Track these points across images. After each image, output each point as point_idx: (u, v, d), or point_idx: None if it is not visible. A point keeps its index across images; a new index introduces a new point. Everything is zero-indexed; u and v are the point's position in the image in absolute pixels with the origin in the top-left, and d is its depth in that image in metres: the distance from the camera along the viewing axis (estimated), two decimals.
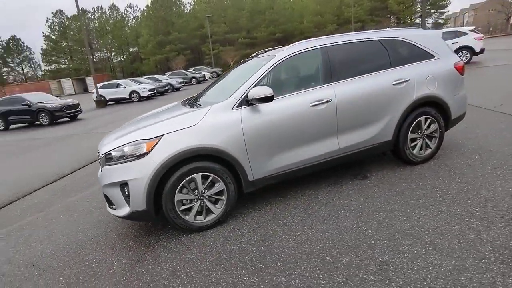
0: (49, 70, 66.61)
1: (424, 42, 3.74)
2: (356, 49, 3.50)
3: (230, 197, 3.00)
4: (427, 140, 3.77)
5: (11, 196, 4.88)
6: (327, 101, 3.18)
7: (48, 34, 63.35)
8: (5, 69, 64.99)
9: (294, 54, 3.27)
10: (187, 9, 62.42)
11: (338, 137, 3.31)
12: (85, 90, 48.37)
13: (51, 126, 13.85)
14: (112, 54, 69.35)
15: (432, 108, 3.67)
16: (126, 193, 2.76)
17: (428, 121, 3.68)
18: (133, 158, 2.72)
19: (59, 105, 14.59)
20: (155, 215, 2.85)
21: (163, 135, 2.77)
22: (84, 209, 3.94)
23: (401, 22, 57.52)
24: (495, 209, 2.63)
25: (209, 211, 2.97)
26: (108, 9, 66.39)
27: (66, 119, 15.09)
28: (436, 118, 3.69)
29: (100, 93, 21.37)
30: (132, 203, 2.74)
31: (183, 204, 2.88)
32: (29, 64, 68.64)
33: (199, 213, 2.95)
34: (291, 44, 3.40)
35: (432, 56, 3.74)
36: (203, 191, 2.90)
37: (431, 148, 3.80)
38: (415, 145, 3.72)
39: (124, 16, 67.94)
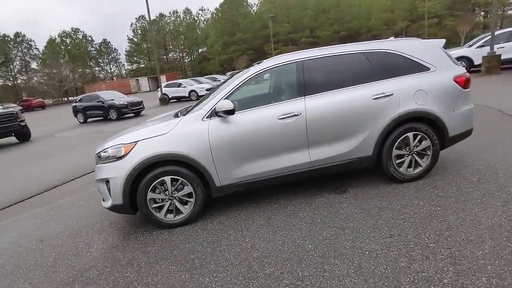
0: (131, 69, 74.75)
1: (418, 54, 3.52)
2: (335, 63, 3.48)
3: (198, 199, 3.29)
4: (416, 157, 3.55)
5: (58, 182, 5.88)
6: (296, 115, 3.25)
7: (132, 37, 71.01)
8: (96, 68, 74.94)
9: (269, 68, 3.41)
10: (253, 10, 64.10)
11: (309, 150, 3.35)
12: (158, 87, 53.16)
13: (118, 120, 15.76)
14: (184, 55, 74.78)
15: (423, 124, 3.45)
16: (109, 188, 3.24)
17: (418, 137, 3.47)
18: (114, 159, 3.19)
19: (125, 102, 16.51)
20: (133, 210, 3.28)
21: (138, 141, 3.18)
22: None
23: (489, 16, 50.67)
24: (449, 239, 2.45)
25: (178, 211, 3.31)
26: (182, 13, 71.68)
27: (132, 114, 16.98)
28: (427, 134, 3.46)
29: (164, 92, 23.51)
30: (112, 197, 3.22)
31: (156, 202, 3.26)
32: (115, 64, 78.00)
33: (170, 211, 3.30)
34: (268, 59, 3.53)
35: (427, 69, 3.50)
36: (173, 192, 3.25)
37: (421, 166, 3.57)
38: (403, 162, 3.54)
39: (196, 18, 72.69)
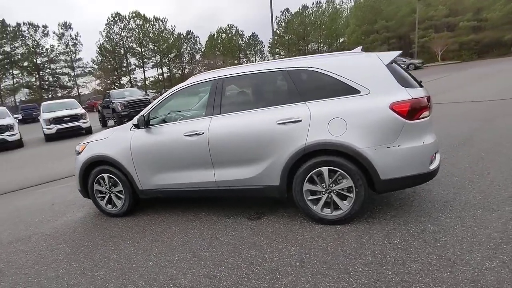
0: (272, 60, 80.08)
1: (348, 73, 2.86)
2: (252, 82, 3.25)
3: (126, 197, 3.80)
4: (335, 198, 2.94)
5: None
6: (198, 133, 3.26)
7: (275, 29, 75.64)
8: (244, 59, 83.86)
9: (188, 86, 3.50)
10: None
11: (214, 169, 3.30)
12: None
13: None
14: (322, 45, 74.43)
15: (343, 159, 2.82)
16: None
17: (336, 174, 2.87)
18: (76, 154, 4.07)
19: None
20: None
21: (89, 142, 3.94)
22: None
23: None
24: None
25: (114, 204, 3.92)
26: (325, 3, 70.84)
27: None
28: (348, 173, 2.82)
29: None
30: (76, 183, 4.13)
31: (101, 193, 3.97)
32: (260, 55, 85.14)
33: (110, 203, 3.95)
34: (192, 76, 3.59)
35: (357, 92, 2.81)
36: (111, 187, 3.87)
37: (342, 210, 2.94)
38: (318, 200, 3.01)
39: (339, 7, 70.55)
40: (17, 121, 14.88)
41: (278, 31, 75.61)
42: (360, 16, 54.45)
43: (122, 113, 14.96)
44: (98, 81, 58.17)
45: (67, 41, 55.03)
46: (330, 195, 2.96)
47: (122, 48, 59.81)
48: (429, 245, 2.46)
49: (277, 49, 77.55)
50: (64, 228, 3.82)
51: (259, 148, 3.07)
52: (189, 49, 72.44)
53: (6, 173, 8.17)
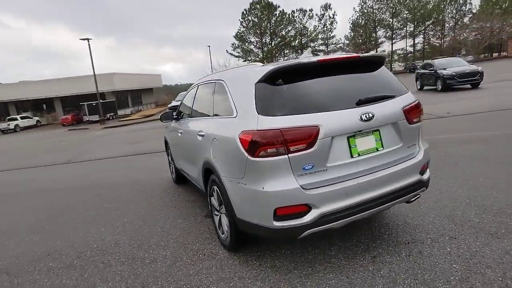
0: None
1: (233, 90, 2.52)
2: (209, 90, 3.37)
3: (173, 170, 5.03)
4: (223, 220, 2.77)
5: None
6: (181, 132, 3.87)
7: None
8: None
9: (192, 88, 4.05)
10: None
11: (192, 165, 3.76)
12: None
13: (444, 92, 14.66)
14: None
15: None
16: None
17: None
18: None
19: (453, 73, 14.59)
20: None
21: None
22: None
23: None
24: None
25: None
26: None
27: (468, 86, 14.62)
28: (224, 199, 2.60)
29: None
30: None
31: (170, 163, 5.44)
32: None
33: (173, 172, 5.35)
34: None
35: (232, 113, 2.43)
36: (171, 162, 5.24)
37: (223, 237, 2.74)
38: (218, 217, 2.93)
39: None
40: None
41: None
42: None
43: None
44: None
45: (326, 21, 61.18)
46: (220, 217, 2.82)
47: (373, 22, 59.07)
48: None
49: None
50: (153, 184, 5.53)
51: (192, 154, 3.34)
52: (454, 12, 60.00)
53: None
